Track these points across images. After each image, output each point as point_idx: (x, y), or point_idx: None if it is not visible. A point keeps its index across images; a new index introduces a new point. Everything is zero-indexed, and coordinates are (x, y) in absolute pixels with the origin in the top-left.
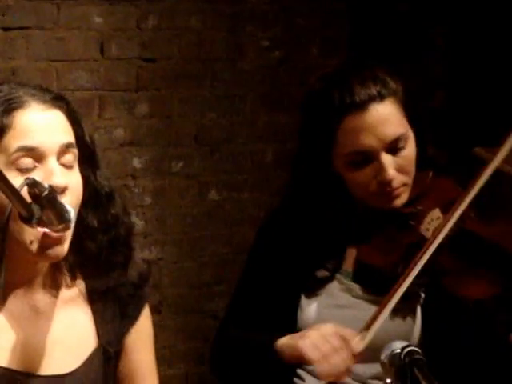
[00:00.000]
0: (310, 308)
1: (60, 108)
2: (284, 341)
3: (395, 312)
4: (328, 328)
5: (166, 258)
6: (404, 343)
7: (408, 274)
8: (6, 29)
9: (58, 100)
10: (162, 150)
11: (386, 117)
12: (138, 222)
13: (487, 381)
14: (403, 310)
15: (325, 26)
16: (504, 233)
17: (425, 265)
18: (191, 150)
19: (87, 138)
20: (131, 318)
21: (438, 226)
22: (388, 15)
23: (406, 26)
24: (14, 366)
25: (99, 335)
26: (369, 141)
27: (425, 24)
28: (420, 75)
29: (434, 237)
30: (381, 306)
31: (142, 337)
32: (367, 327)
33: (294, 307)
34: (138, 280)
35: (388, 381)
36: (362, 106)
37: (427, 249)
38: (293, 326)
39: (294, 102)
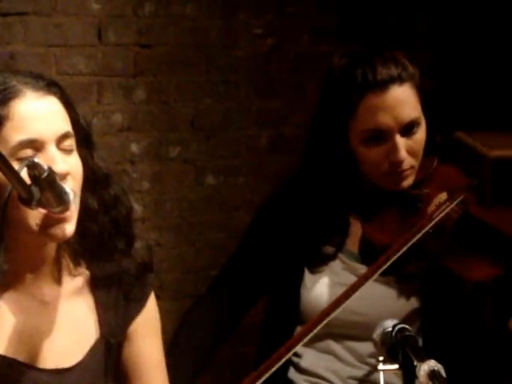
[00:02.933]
0: (314, 285)
1: (54, 94)
2: None
3: (396, 293)
4: None
5: (163, 243)
6: (395, 321)
7: (396, 250)
8: (4, 14)
9: (51, 86)
10: (160, 136)
11: (404, 99)
12: (136, 207)
13: (484, 361)
14: (403, 291)
15: (315, 15)
16: (503, 218)
17: (419, 244)
18: (188, 135)
19: (82, 121)
20: (137, 306)
21: (435, 209)
22: (373, 4)
23: (389, 15)
24: (19, 357)
25: (101, 326)
26: (387, 120)
27: (408, 12)
28: None
29: (430, 217)
30: (360, 277)
31: (146, 325)
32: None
33: (298, 282)
34: (141, 266)
35: (380, 358)
36: (383, 85)
37: (422, 226)
38: (296, 301)
39: (286, 88)
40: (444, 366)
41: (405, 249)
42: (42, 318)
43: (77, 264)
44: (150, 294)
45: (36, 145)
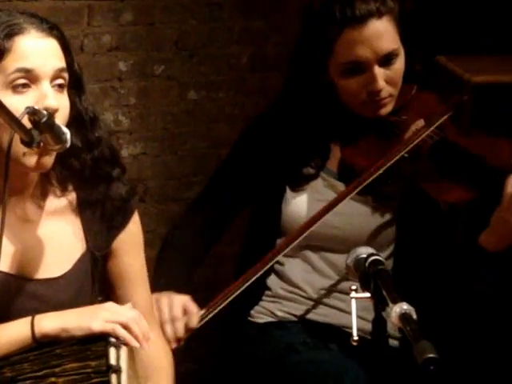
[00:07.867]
0: (294, 201)
1: (55, 37)
2: None
3: (372, 210)
4: (178, 298)
5: (148, 153)
6: (370, 250)
7: (372, 171)
8: None
9: (54, 29)
10: (146, 55)
11: (382, 32)
12: (123, 121)
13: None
14: (379, 209)
15: None
16: (480, 143)
17: (396, 167)
18: (172, 54)
19: (76, 66)
20: (119, 227)
21: (412, 135)
22: None
23: None
24: (8, 270)
25: (87, 240)
26: (364, 53)
27: None
28: None
29: (408, 141)
30: (339, 194)
31: (129, 242)
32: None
33: (279, 198)
34: (125, 194)
35: (353, 287)
36: (362, 20)
37: (398, 150)
38: (277, 215)
39: (268, 10)
40: (412, 294)
41: (381, 171)
42: (27, 234)
43: (64, 188)
44: (132, 215)
45: (31, 76)
